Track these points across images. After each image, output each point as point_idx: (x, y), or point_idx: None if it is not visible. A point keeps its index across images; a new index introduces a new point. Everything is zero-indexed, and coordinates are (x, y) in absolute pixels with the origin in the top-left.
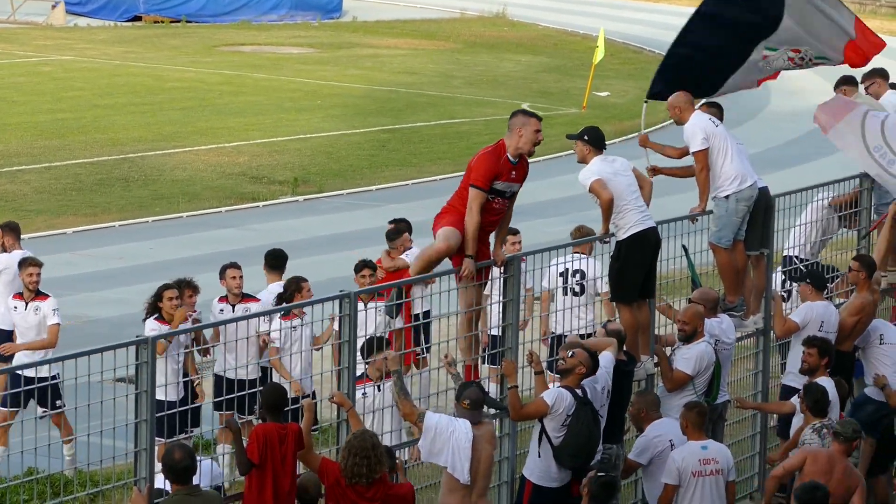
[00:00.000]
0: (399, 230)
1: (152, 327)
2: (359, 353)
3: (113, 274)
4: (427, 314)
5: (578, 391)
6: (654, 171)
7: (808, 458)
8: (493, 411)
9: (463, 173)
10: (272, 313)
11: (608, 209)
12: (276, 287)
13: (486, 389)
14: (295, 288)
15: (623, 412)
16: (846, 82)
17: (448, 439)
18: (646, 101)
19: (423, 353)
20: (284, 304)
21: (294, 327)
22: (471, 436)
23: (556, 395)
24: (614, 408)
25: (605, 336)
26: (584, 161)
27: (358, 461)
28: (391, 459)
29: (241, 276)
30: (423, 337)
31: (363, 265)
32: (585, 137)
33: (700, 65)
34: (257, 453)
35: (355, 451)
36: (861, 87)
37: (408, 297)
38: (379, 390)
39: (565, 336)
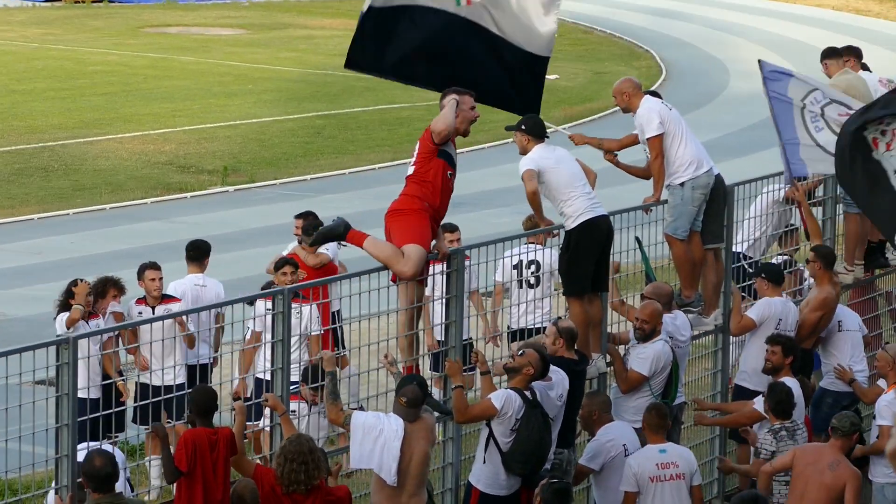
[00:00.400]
0: (317, 225)
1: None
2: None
3: (31, 270)
4: (339, 314)
5: (528, 393)
6: (612, 157)
7: (797, 452)
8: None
9: (410, 160)
10: (201, 311)
11: (533, 201)
12: (195, 279)
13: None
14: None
15: (574, 414)
16: (829, 55)
17: (377, 439)
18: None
19: (341, 352)
20: (217, 302)
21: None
22: (401, 433)
23: (504, 396)
24: (566, 410)
25: (556, 334)
26: (524, 152)
27: (295, 467)
28: (327, 463)
29: (160, 278)
30: (340, 336)
31: (284, 262)
32: (523, 127)
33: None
34: (185, 460)
35: (292, 456)
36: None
37: (326, 297)
38: (310, 411)
39: (530, 330)
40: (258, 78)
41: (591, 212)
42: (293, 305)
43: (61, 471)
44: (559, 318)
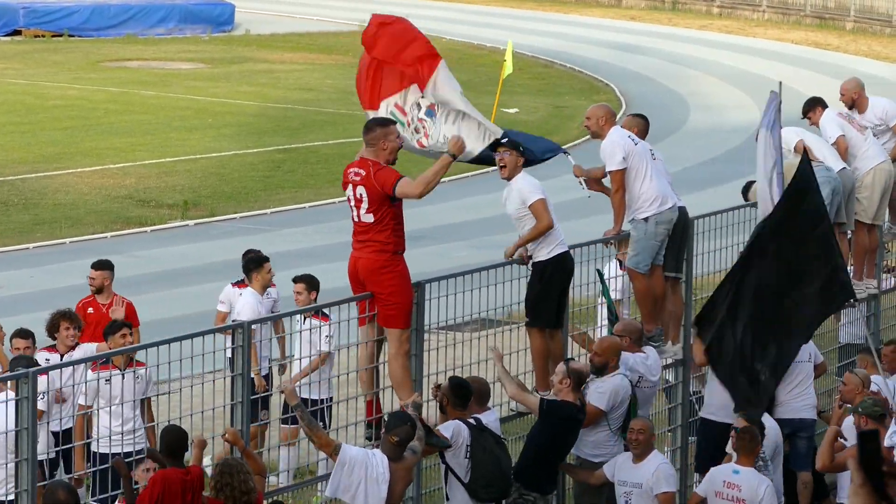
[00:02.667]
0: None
1: None
2: None
3: None
4: None
5: (472, 420)
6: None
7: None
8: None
9: (360, 207)
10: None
11: (540, 234)
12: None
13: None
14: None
15: (558, 460)
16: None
17: (360, 474)
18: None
19: None
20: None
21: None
22: (388, 476)
23: (452, 427)
24: (549, 455)
25: (564, 374)
26: (512, 174)
27: (243, 477)
28: None
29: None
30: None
31: (120, 325)
32: (522, 148)
33: None
34: (148, 501)
35: (236, 469)
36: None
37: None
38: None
39: None
40: (218, 112)
41: (563, 246)
42: (139, 370)
43: None
44: (571, 357)
